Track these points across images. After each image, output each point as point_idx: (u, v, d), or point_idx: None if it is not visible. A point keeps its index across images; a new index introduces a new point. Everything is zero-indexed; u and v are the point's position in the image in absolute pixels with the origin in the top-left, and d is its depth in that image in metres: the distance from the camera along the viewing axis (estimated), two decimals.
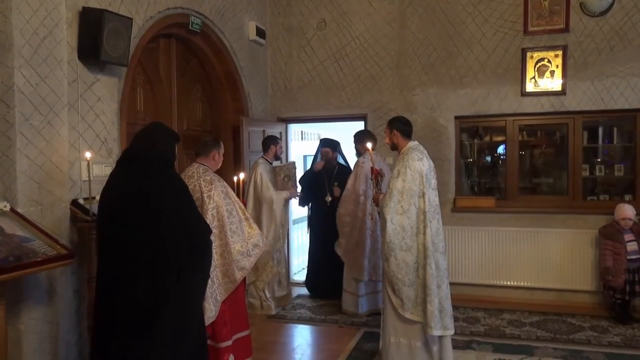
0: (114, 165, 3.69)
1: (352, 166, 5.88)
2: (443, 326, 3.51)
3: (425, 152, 3.70)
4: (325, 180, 5.76)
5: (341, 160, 6.02)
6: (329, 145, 5.86)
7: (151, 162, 2.65)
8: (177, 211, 2.60)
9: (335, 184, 5.65)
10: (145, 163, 2.64)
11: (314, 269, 5.91)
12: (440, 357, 3.60)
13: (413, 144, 3.70)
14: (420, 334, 3.57)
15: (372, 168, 3.89)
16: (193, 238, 2.64)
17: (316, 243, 5.86)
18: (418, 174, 3.50)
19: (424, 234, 3.50)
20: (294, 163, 5.59)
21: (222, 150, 3.65)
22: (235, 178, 3.91)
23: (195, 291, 2.70)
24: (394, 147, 3.79)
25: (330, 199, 5.65)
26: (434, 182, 3.62)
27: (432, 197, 3.56)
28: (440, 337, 3.59)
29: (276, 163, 5.48)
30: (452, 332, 3.59)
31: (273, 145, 5.40)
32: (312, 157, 6.31)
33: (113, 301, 2.53)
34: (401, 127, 3.73)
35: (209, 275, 2.87)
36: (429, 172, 3.57)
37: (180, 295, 2.56)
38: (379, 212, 3.73)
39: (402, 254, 3.49)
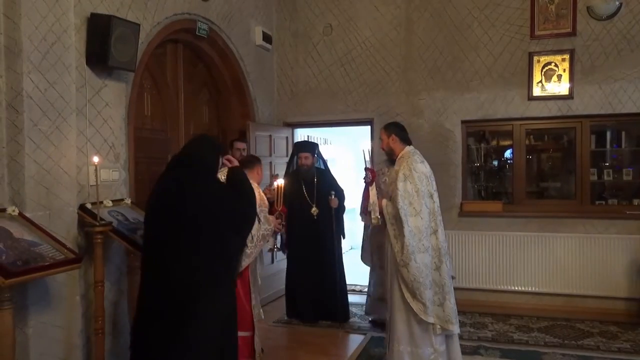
0: (121, 170, 3.78)
1: (331, 168, 5.51)
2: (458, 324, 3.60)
3: (422, 156, 3.73)
4: (305, 189, 5.07)
5: (319, 164, 5.34)
6: (308, 149, 5.17)
7: (197, 169, 2.90)
8: (219, 213, 2.82)
9: (333, 193, 4.91)
10: (191, 169, 2.89)
11: (297, 293, 5.16)
12: (450, 358, 3.64)
13: (410, 148, 3.72)
14: (427, 342, 3.56)
15: (368, 169, 3.84)
16: (235, 232, 2.90)
17: (298, 264, 5.11)
18: (424, 176, 3.56)
19: (436, 233, 3.54)
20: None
21: (262, 168, 4.05)
22: (275, 184, 3.89)
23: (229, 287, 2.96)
24: (391, 152, 3.80)
25: (317, 211, 5.00)
26: (434, 184, 3.68)
27: (436, 197, 3.64)
28: (448, 339, 3.62)
29: None
30: (458, 330, 3.67)
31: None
32: (287, 164, 5.52)
33: (160, 292, 2.72)
34: (399, 132, 3.76)
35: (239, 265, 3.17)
36: (431, 174, 3.66)
37: (221, 285, 2.82)
38: (383, 216, 3.66)
39: (421, 256, 3.47)
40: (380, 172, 4.39)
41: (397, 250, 3.52)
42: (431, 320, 3.48)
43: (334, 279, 5.05)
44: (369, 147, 3.96)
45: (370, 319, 5.12)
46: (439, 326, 3.51)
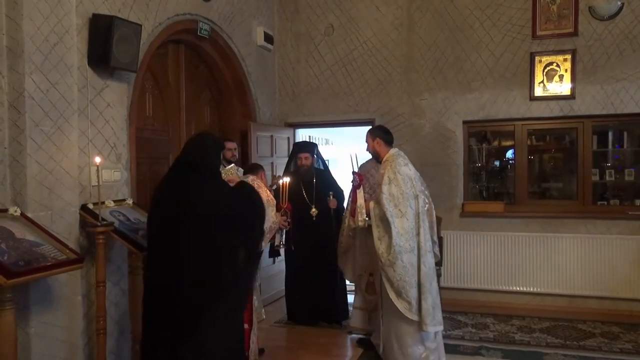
0: (122, 171, 3.78)
1: (330, 169, 5.47)
2: (438, 321, 3.67)
3: (407, 157, 3.85)
4: (304, 190, 4.97)
5: (318, 164, 5.26)
6: (307, 150, 5.12)
7: (202, 171, 2.92)
8: (229, 214, 2.86)
9: (331, 194, 4.90)
10: (197, 171, 2.90)
11: (296, 295, 5.12)
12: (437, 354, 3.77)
13: (395, 150, 3.85)
14: (418, 340, 3.67)
15: (355, 173, 3.92)
16: (246, 234, 2.95)
17: (297, 265, 5.04)
18: (408, 178, 3.70)
19: (419, 234, 3.67)
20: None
21: (264, 172, 4.17)
22: (280, 181, 4.08)
23: (244, 284, 3.01)
24: (376, 155, 3.93)
25: (316, 212, 4.89)
26: (420, 185, 3.81)
27: (420, 198, 3.75)
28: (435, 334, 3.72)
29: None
30: (442, 327, 3.79)
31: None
32: (286, 164, 5.44)
33: (167, 296, 2.77)
34: (383, 135, 3.90)
35: (256, 270, 3.22)
36: (416, 175, 3.79)
37: (229, 288, 2.83)
38: (368, 218, 3.77)
39: (407, 256, 3.60)
40: (368, 174, 4.39)
41: (381, 251, 3.64)
42: (415, 318, 3.60)
43: (333, 280, 5.03)
44: (356, 152, 4.06)
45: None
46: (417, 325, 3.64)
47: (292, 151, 5.42)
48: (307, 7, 6.33)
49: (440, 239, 4.58)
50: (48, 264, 2.78)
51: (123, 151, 3.82)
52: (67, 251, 2.94)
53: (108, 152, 3.67)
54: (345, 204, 5.12)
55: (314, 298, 5.00)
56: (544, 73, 5.50)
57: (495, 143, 6.18)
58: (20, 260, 2.65)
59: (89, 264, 3.36)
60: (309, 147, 5.22)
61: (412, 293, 3.58)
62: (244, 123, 5.68)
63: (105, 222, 3.27)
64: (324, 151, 5.97)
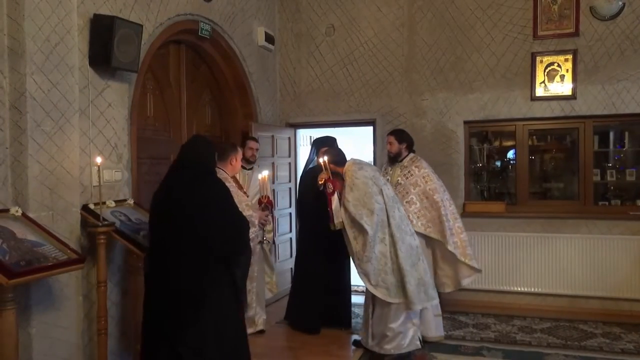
0: (123, 171, 3.80)
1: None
2: (427, 298, 4.02)
3: (363, 162, 4.32)
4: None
5: None
6: (329, 144, 5.02)
7: (198, 170, 3.03)
8: (222, 210, 2.96)
9: None
10: (193, 171, 3.02)
11: (306, 295, 4.94)
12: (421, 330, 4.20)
13: (349, 162, 4.23)
14: (407, 320, 4.03)
15: (328, 180, 4.10)
16: (237, 231, 3.04)
17: (310, 263, 4.92)
18: (367, 179, 4.05)
19: (389, 224, 4.02)
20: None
21: (239, 155, 4.01)
22: (260, 176, 4.17)
23: (237, 281, 3.05)
24: (336, 172, 4.24)
25: None
26: (382, 179, 4.22)
27: (387, 190, 4.11)
28: (421, 310, 4.14)
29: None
30: (436, 301, 4.25)
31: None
32: (306, 161, 5.47)
33: (165, 292, 2.84)
34: (335, 160, 4.22)
35: (249, 265, 3.26)
36: (374, 174, 4.17)
37: (224, 284, 2.92)
38: (342, 221, 4.04)
39: (378, 247, 3.97)
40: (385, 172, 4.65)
41: (358, 249, 3.99)
42: (396, 301, 3.94)
43: (343, 281, 4.99)
44: (327, 159, 4.16)
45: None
46: (403, 306, 3.96)
47: (313, 146, 5.28)
48: (308, 7, 6.33)
49: None
50: (49, 264, 2.78)
51: (124, 151, 3.83)
52: (68, 251, 2.95)
53: (109, 152, 3.67)
54: None
55: (325, 300, 4.84)
56: (545, 73, 5.49)
57: (497, 143, 6.18)
58: (22, 261, 2.65)
59: (90, 264, 3.36)
60: (328, 141, 5.15)
61: (390, 279, 3.94)
62: (245, 123, 5.68)
63: (106, 222, 3.28)
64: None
